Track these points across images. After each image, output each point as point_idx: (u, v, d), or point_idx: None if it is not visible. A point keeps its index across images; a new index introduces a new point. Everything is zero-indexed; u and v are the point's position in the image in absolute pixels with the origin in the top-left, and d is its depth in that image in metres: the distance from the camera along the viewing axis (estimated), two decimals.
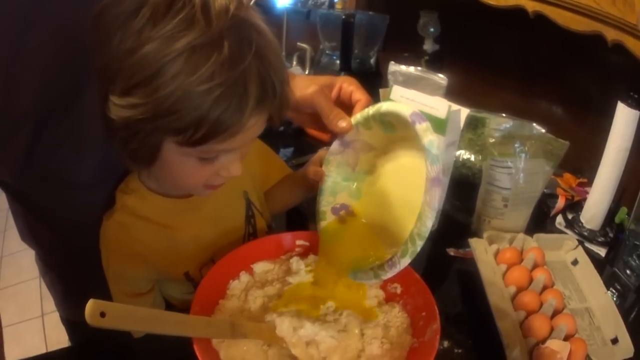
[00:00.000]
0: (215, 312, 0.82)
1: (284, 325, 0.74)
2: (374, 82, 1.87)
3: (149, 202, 0.89)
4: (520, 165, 1.14)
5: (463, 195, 1.33)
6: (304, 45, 2.34)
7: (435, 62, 1.81)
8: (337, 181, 0.93)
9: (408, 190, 0.83)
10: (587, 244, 1.24)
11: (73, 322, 1.17)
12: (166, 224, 0.91)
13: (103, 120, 0.70)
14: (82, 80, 0.79)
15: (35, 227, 1.00)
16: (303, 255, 0.92)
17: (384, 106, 0.82)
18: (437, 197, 0.68)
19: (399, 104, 0.79)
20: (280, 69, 0.70)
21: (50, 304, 2.85)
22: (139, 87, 0.64)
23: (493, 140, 1.15)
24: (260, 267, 0.90)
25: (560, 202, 1.37)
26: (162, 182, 0.88)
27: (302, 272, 0.87)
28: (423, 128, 0.74)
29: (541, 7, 1.12)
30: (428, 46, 1.83)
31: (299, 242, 0.94)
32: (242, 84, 0.64)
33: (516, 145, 1.14)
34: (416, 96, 1.11)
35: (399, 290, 0.86)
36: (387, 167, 0.91)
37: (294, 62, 2.37)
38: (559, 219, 1.35)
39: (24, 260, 3.10)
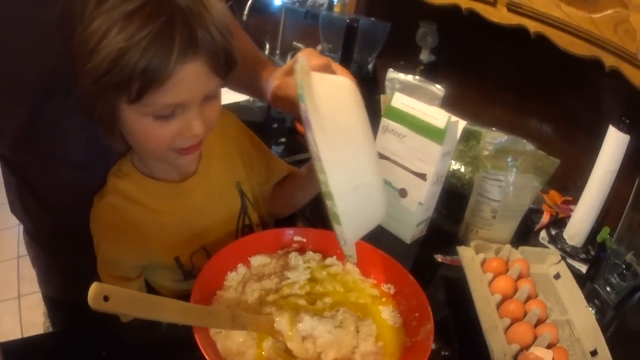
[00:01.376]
0: (213, 302, 0.83)
1: (283, 319, 0.77)
2: (371, 88, 1.90)
3: (141, 186, 0.91)
4: (510, 179, 1.17)
5: (451, 204, 1.36)
6: (300, 45, 2.36)
7: (429, 72, 1.84)
8: None
9: None
10: (569, 260, 1.28)
11: (54, 299, 1.18)
12: (156, 208, 0.93)
13: (77, 91, 0.76)
14: None
15: (27, 200, 1.00)
16: (300, 251, 0.94)
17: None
18: (313, 139, 0.63)
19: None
20: (209, 21, 0.73)
21: (27, 286, 2.82)
22: (90, 55, 0.70)
23: (487, 153, 1.18)
24: (257, 260, 0.92)
25: (545, 218, 1.41)
26: (140, 154, 0.91)
27: (300, 267, 0.90)
28: (297, 68, 0.69)
29: (543, 29, 1.15)
30: (424, 56, 1.86)
31: (296, 238, 0.96)
32: (167, 35, 0.69)
33: (509, 159, 1.17)
34: (417, 104, 1.15)
35: (392, 291, 0.89)
36: None
37: (288, 61, 2.39)
38: (543, 234, 1.39)
39: (4, 240, 3.06)
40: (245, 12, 2.39)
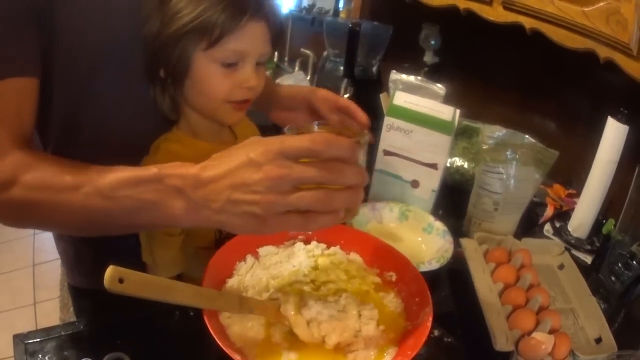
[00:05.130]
0: (222, 289, 0.86)
1: (288, 303, 0.79)
2: (375, 89, 1.92)
3: (190, 147, 1.03)
4: (511, 171, 1.20)
5: (455, 199, 1.38)
6: (307, 52, 2.40)
7: (434, 74, 1.86)
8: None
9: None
10: (574, 251, 1.30)
11: (80, 288, 1.23)
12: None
13: (150, 53, 0.94)
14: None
15: None
16: (306, 241, 0.97)
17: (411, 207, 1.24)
18: None
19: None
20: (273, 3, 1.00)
21: (43, 293, 2.87)
22: (178, 12, 0.90)
23: (486, 146, 1.21)
24: (265, 250, 0.95)
25: (549, 211, 1.43)
26: (194, 104, 1.02)
27: (305, 256, 0.93)
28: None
29: (538, 24, 1.18)
30: (428, 58, 1.89)
31: None
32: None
33: (508, 152, 1.20)
34: (420, 101, 1.19)
35: (394, 278, 0.92)
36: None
37: (297, 67, 2.43)
38: (547, 227, 1.40)
39: (19, 249, 3.14)
40: None
